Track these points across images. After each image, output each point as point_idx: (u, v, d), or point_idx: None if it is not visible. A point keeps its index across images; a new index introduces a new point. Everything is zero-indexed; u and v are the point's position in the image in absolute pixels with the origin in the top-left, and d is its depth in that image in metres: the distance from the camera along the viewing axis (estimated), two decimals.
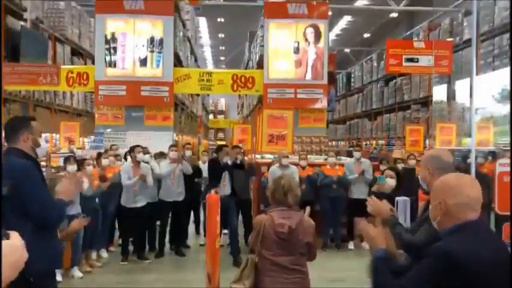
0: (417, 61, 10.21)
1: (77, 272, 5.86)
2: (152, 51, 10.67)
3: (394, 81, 17.27)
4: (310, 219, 3.07)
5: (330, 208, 7.50)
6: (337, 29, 23.95)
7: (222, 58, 31.66)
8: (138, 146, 6.89)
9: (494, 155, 8.14)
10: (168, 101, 10.68)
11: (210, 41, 27.83)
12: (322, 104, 10.89)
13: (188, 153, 7.71)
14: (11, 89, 10.00)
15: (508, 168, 3.02)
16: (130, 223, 6.76)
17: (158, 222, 7.25)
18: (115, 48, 10.66)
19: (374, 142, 19.06)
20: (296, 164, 7.56)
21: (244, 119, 21.76)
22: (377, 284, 1.86)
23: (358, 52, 25.74)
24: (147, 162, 6.91)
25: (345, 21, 22.85)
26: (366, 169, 7.68)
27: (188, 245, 7.56)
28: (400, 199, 3.50)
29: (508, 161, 3.40)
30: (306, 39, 10.82)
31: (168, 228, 7.22)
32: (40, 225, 2.54)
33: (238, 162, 6.97)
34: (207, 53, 31.37)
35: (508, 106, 10.20)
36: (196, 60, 17.89)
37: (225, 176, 6.69)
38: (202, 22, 23.13)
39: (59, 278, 5.26)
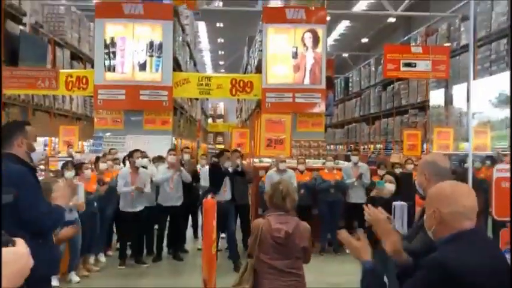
0: (415, 66, 10.25)
1: (74, 277, 5.85)
2: (151, 56, 10.71)
3: (391, 86, 17.33)
4: (306, 224, 3.12)
5: (328, 212, 7.52)
6: (335, 34, 24.04)
7: (221, 63, 31.73)
8: (137, 150, 6.88)
9: (492, 160, 8.15)
10: (167, 105, 10.71)
11: (209, 45, 27.90)
12: (320, 108, 10.93)
13: (186, 157, 7.74)
14: (9, 93, 10.02)
15: (506, 174, 3.03)
16: (128, 227, 6.76)
17: (156, 226, 7.26)
18: (114, 53, 10.70)
19: (372, 146, 19.10)
20: (294, 169, 7.58)
21: (243, 123, 21.78)
22: None
23: (356, 57, 25.83)
24: (145, 167, 6.92)
25: (343, 26, 22.94)
26: (363, 173, 7.71)
27: (186, 249, 7.57)
28: (397, 204, 3.50)
29: (505, 166, 3.42)
30: (304, 44, 10.87)
31: (166, 232, 7.23)
32: (35, 231, 2.51)
33: (239, 169, 6.96)
34: (206, 57, 31.44)
35: (505, 111, 10.26)
36: (195, 65, 17.93)
37: (226, 181, 6.65)
38: (202, 27, 23.20)
39: (55, 283, 5.28)
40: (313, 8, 11.10)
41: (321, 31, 10.93)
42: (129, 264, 6.71)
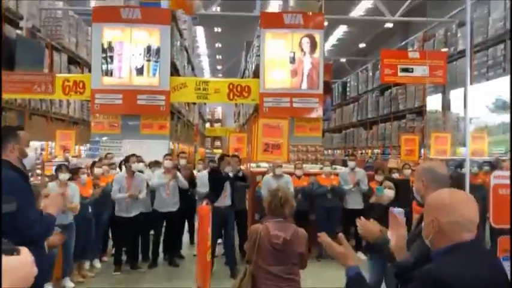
0: (412, 71, 10.28)
1: (68, 283, 5.79)
2: (149, 60, 10.70)
3: (389, 90, 17.36)
4: (303, 230, 3.16)
5: (325, 218, 7.49)
6: (333, 39, 24.13)
7: (219, 67, 31.79)
8: (133, 155, 6.84)
9: (491, 165, 8.14)
10: (164, 110, 10.69)
11: (207, 50, 27.97)
12: (318, 113, 10.93)
13: (183, 162, 7.70)
14: (6, 97, 9.99)
15: (504, 181, 3.00)
16: (123, 232, 6.71)
17: (152, 232, 7.21)
18: (112, 57, 10.68)
19: (369, 151, 19.10)
20: (291, 174, 7.55)
21: (241, 127, 21.79)
22: None
23: (353, 62, 25.91)
24: (141, 171, 6.88)
25: (340, 31, 23.03)
26: (361, 179, 7.69)
27: (182, 255, 7.51)
28: (394, 210, 3.48)
29: (503, 173, 3.40)
30: (302, 49, 10.88)
31: (161, 238, 7.18)
32: (26, 239, 2.45)
33: (240, 174, 6.91)
34: (204, 62, 31.50)
35: (502, 116, 10.28)
36: (193, 69, 17.94)
37: (226, 187, 6.57)
38: (200, 31, 23.26)
39: None
40: (310, 13, 11.12)
41: (318, 36, 10.95)
42: (124, 270, 6.66)
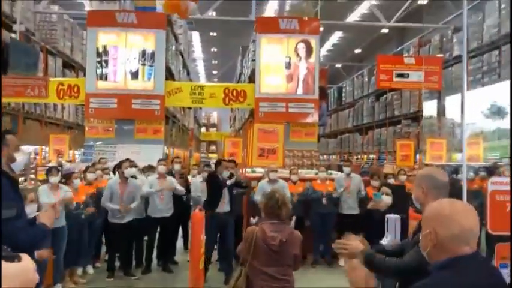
0: (407, 77, 10.27)
1: None
2: (144, 65, 10.65)
3: (384, 96, 17.39)
4: (298, 232, 3.24)
5: (320, 224, 7.44)
6: (328, 45, 24.19)
7: (215, 72, 31.78)
8: (126, 160, 6.76)
9: (488, 171, 8.12)
10: (159, 114, 10.63)
11: (203, 55, 27.96)
12: (314, 118, 10.91)
13: (177, 167, 7.63)
14: None
15: (501, 187, 2.97)
16: (116, 238, 6.62)
17: (146, 237, 7.13)
18: (106, 61, 10.63)
19: (365, 156, 19.10)
20: (287, 179, 7.50)
21: (236, 132, 21.74)
22: None
23: (349, 67, 25.97)
24: (134, 176, 6.79)
25: (336, 36, 23.09)
26: (357, 185, 7.66)
27: (176, 261, 7.43)
28: (390, 217, 3.46)
29: (500, 179, 3.37)
30: (298, 55, 10.88)
31: (155, 244, 7.09)
32: (12, 246, 2.42)
33: (241, 181, 6.83)
34: (200, 66, 31.49)
35: (497, 122, 10.31)
36: (188, 74, 17.90)
37: (225, 193, 6.46)
38: (195, 36, 23.25)
39: None
40: (306, 19, 11.13)
41: (314, 41, 10.94)
42: (117, 276, 6.57)
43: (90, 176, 6.58)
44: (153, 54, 10.64)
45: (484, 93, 10.81)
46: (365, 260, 2.23)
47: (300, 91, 10.87)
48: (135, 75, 10.64)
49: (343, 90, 23.05)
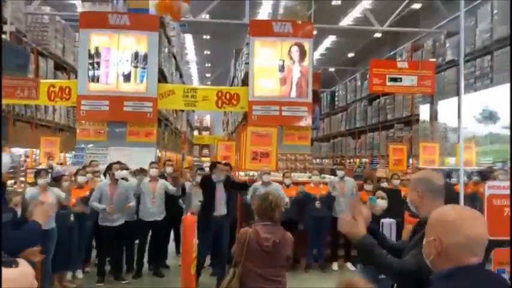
0: (400, 81, 10.28)
1: None
2: (136, 67, 10.58)
3: (377, 100, 17.43)
4: (289, 234, 3.27)
5: (314, 228, 7.38)
6: (321, 49, 24.23)
7: (208, 75, 31.72)
8: (116, 163, 6.67)
9: (482, 175, 8.12)
10: (151, 117, 10.56)
11: (196, 57, 27.89)
12: (307, 121, 10.89)
13: (169, 169, 7.56)
14: None
15: (499, 191, 2.94)
16: (107, 242, 6.51)
17: (137, 241, 7.02)
18: (98, 63, 10.55)
19: (358, 160, 19.12)
20: (280, 182, 7.45)
21: (229, 135, 21.66)
22: None
23: (342, 71, 26.04)
24: (125, 179, 6.70)
25: (329, 40, 23.14)
26: (351, 189, 7.63)
27: (167, 265, 7.34)
28: (385, 221, 3.43)
29: (498, 183, 3.34)
30: (291, 58, 10.87)
31: (146, 248, 7.00)
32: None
33: (247, 183, 6.74)
34: (193, 69, 31.40)
35: (489, 126, 10.35)
36: (181, 77, 17.83)
37: (222, 195, 6.36)
38: (188, 39, 23.18)
39: None
40: (299, 22, 11.13)
41: (307, 45, 10.94)
42: (108, 281, 6.46)
43: (80, 179, 6.49)
44: (145, 57, 10.57)
45: (477, 98, 10.85)
46: (364, 248, 2.12)
47: (293, 94, 10.85)
48: (127, 77, 10.56)
49: (336, 94, 23.09)
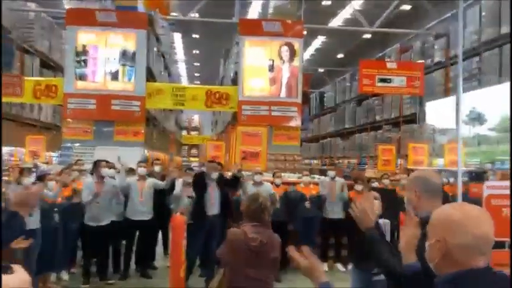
0: (390, 82, 10.32)
1: None
2: (124, 65, 10.44)
3: (366, 101, 17.50)
4: (277, 235, 3.22)
5: (304, 228, 7.33)
6: (311, 49, 24.23)
7: (197, 74, 31.56)
8: (102, 161, 6.53)
9: (476, 176, 8.16)
10: (139, 116, 10.43)
11: (185, 56, 27.70)
12: (297, 122, 10.86)
13: (157, 168, 7.46)
14: None
15: (497, 191, 2.91)
16: (93, 242, 6.37)
17: (123, 242, 6.89)
18: (86, 61, 10.39)
19: (346, 161, 19.16)
20: (270, 182, 7.38)
21: (219, 135, 21.56)
22: None
23: (331, 72, 26.08)
24: (112, 177, 6.58)
25: (319, 41, 23.15)
26: (342, 188, 7.60)
27: (155, 267, 7.22)
28: (379, 222, 3.36)
29: (497, 183, 3.32)
30: (281, 57, 10.82)
31: (133, 248, 6.87)
32: None
33: (237, 176, 6.52)
34: (182, 68, 31.18)
35: (476, 128, 10.42)
36: (170, 76, 17.68)
37: (215, 193, 6.24)
38: (177, 38, 22.99)
39: None
40: (289, 22, 11.08)
41: (297, 44, 10.91)
42: (93, 282, 6.32)
43: (65, 177, 6.35)
44: (133, 55, 10.44)
45: (464, 99, 10.90)
46: (372, 239, 2.06)
47: (283, 94, 10.81)
48: (115, 75, 10.42)
49: (325, 95, 23.16)
